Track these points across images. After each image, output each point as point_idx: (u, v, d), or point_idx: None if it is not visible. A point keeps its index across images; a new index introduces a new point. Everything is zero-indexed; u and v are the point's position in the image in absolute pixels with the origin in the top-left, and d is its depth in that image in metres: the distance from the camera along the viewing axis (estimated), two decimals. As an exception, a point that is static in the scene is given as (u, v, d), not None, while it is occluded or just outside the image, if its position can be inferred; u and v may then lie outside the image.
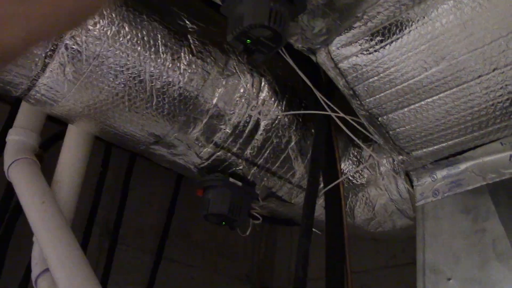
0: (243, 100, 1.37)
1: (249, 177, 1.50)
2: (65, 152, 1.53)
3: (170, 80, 1.27)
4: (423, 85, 1.10)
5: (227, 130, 1.38)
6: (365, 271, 2.32)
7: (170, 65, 1.26)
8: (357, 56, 1.13)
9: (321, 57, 1.20)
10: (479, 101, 1.05)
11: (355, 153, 1.58)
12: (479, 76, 1.03)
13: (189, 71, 1.29)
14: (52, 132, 1.93)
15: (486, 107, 1.06)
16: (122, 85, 1.23)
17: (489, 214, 1.09)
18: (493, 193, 1.11)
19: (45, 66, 1.18)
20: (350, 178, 1.58)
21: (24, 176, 1.45)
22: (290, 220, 2.15)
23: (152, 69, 1.24)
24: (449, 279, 1.10)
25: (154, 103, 1.28)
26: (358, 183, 1.59)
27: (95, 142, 1.87)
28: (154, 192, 2.49)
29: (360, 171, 1.58)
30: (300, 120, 1.48)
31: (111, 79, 1.22)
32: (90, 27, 1.17)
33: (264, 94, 1.40)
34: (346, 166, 1.57)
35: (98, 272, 1.98)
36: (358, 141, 1.36)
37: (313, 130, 1.48)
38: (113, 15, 1.19)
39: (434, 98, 1.10)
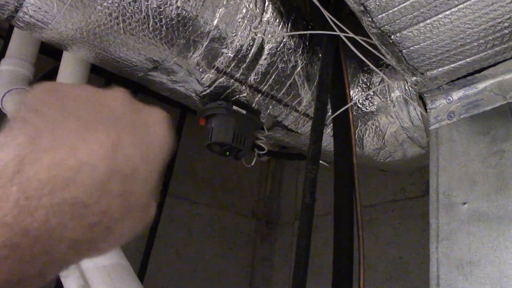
0: (245, 22, 1.29)
1: (253, 105, 1.43)
2: (60, 81, 1.46)
3: (167, -1, 1.18)
4: (441, -4, 1.01)
5: (230, 54, 1.30)
6: (373, 205, 2.29)
7: (166, -18, 1.17)
8: (368, -33, 1.04)
9: (330, -30, 1.10)
10: (502, 11, 0.96)
11: (365, 80, 1.50)
12: (503, -17, 0.94)
13: (187, -11, 1.20)
14: (49, 68, 1.86)
15: (510, 18, 0.97)
16: (116, 5, 1.15)
17: (509, 134, 1.02)
18: (514, 112, 1.04)
19: (31, -17, 1.09)
20: (359, 105, 1.51)
21: (18, 107, 1.39)
22: (297, 154, 2.11)
23: (147, -14, 1.15)
24: (464, 204, 1.05)
25: (150, 24, 1.19)
26: (368, 110, 1.52)
27: (94, 78, 1.79)
28: (157, 129, 2.43)
29: (370, 98, 1.50)
30: (307, 43, 1.40)
31: (103, -3, 1.13)
32: None
33: (268, 15, 1.31)
34: (355, 93, 1.50)
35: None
36: (368, 63, 1.28)
37: (320, 55, 1.40)
38: None
39: (453, 10, 1.01)
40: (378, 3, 1.09)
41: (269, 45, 1.33)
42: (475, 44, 1.04)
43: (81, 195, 0.31)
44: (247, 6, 1.28)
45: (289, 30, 1.35)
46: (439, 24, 1.05)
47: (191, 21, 1.22)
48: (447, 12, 1.02)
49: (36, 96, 0.33)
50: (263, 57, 1.34)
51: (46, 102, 0.33)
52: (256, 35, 1.31)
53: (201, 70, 1.32)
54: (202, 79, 1.34)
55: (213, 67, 1.32)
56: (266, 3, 1.31)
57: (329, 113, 1.38)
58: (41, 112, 0.32)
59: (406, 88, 1.41)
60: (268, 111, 1.46)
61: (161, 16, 1.19)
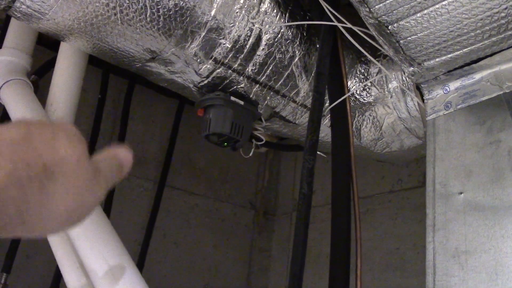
0: (243, 12, 1.28)
1: (251, 96, 1.43)
2: (58, 72, 1.46)
3: (165, -11, 1.18)
4: (438, -14, 1.01)
5: (227, 45, 1.30)
6: (370, 196, 2.30)
7: (164, -28, 1.17)
8: (366, -43, 1.04)
9: (327, -39, 1.10)
10: (499, 1, 0.96)
11: (362, 70, 1.51)
12: (500, -27, 0.94)
13: (185, -21, 1.20)
14: (46, 59, 1.85)
15: (506, 8, 0.97)
16: (113, -5, 1.15)
17: (505, 124, 1.03)
18: (510, 102, 1.04)
19: (28, -27, 1.09)
20: (357, 96, 1.51)
21: (17, 98, 1.40)
22: (295, 145, 2.11)
23: (144, -23, 1.15)
24: (460, 193, 1.06)
25: (148, 14, 1.19)
26: (365, 101, 1.52)
27: (92, 70, 1.78)
28: (155, 120, 2.44)
29: (367, 89, 1.51)
30: (305, 34, 1.40)
31: (100, -13, 1.13)
32: None
33: (266, 5, 1.31)
34: (352, 84, 1.50)
35: (101, 200, 1.95)
36: (366, 53, 1.28)
37: (317, 45, 1.40)
38: None
39: (450, 0, 1.01)
40: (375, -7, 1.09)
41: (266, 35, 1.33)
42: (472, 34, 1.05)
43: None
44: (245, -4, 1.27)
45: (287, 21, 1.35)
46: (436, 14, 1.05)
47: (188, 12, 1.22)
48: (444, 2, 1.02)
49: None
50: (261, 47, 1.34)
51: None
52: (253, 25, 1.31)
53: (198, 60, 1.32)
54: (199, 69, 1.34)
55: (211, 57, 1.32)
56: (264, -7, 1.31)
57: (327, 104, 1.38)
58: None
59: (404, 78, 1.42)
60: (266, 101, 1.46)
61: (159, 7, 1.19)
